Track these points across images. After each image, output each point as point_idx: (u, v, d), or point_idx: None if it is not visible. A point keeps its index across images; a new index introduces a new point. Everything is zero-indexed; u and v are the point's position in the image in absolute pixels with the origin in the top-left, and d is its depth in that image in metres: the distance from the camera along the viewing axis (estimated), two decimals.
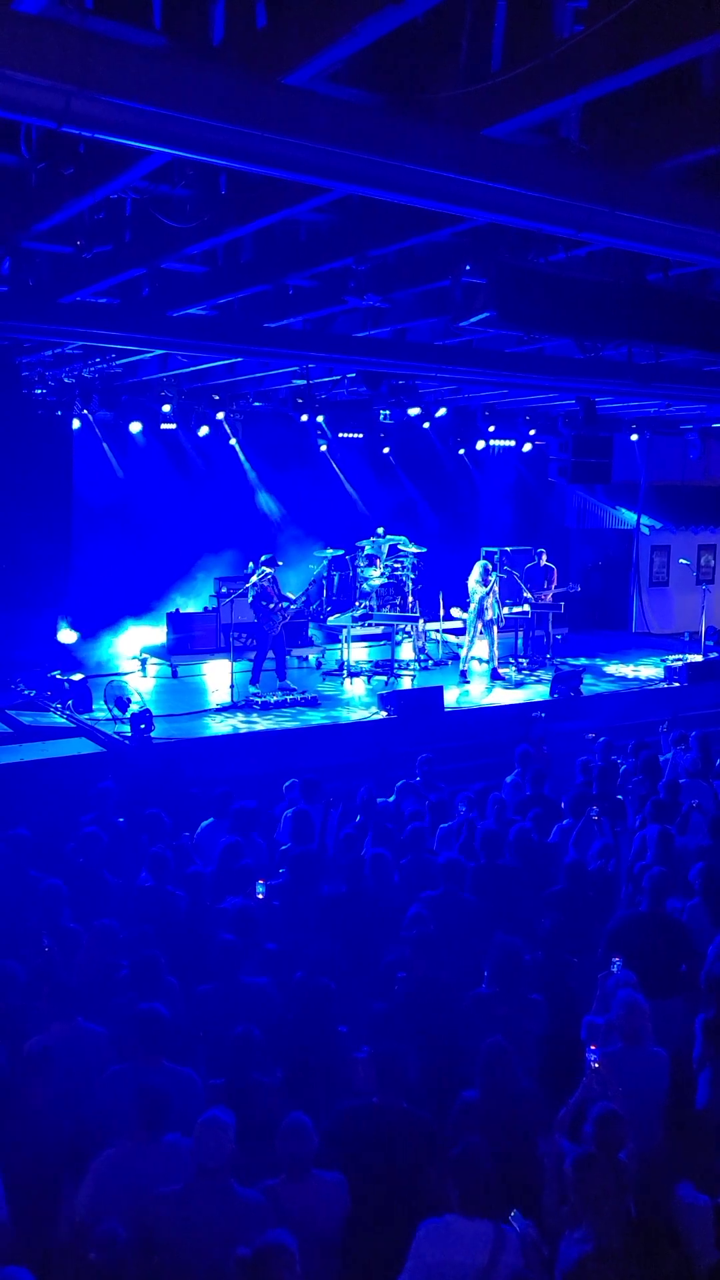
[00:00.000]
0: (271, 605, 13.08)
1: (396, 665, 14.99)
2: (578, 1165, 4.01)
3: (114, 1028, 5.22)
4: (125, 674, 14.20)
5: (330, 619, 15.68)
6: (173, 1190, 4.06)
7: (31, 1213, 4.29)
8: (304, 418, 15.57)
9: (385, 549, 15.91)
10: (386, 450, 18.13)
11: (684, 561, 19.78)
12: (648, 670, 15.67)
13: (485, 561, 14.94)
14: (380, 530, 16.30)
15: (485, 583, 14.54)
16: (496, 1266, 3.82)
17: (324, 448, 17.34)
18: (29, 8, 3.96)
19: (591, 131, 5.26)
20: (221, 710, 12.58)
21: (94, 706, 12.34)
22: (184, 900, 6.73)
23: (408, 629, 15.68)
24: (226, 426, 16.30)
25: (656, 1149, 4.94)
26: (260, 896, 6.66)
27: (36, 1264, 3.62)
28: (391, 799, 9.15)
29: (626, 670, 15.84)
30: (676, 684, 14.51)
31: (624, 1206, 4.11)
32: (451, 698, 13.18)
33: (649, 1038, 5.18)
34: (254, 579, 13.19)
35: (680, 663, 14.80)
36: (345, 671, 14.52)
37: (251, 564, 13.87)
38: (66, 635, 14.61)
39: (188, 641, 14.85)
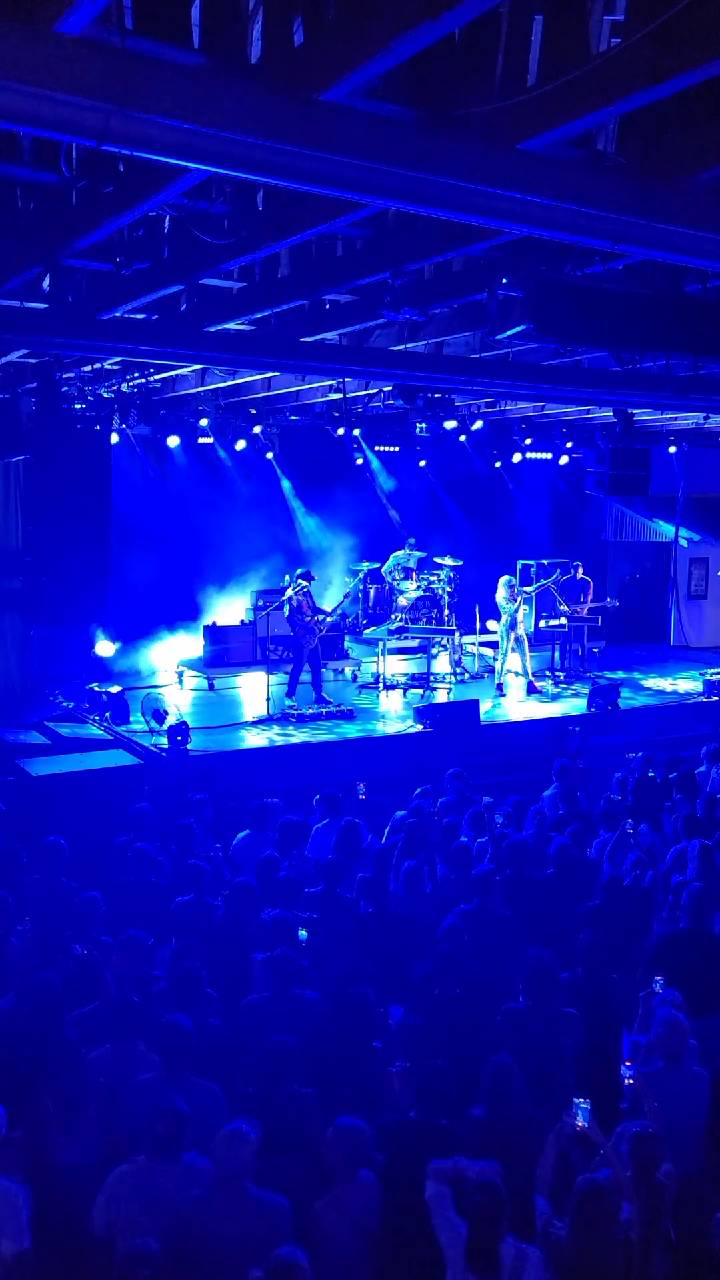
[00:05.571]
0: (308, 619, 13.12)
1: (432, 678, 14.97)
2: (582, 1192, 3.91)
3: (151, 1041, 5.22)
4: (162, 686, 14.29)
5: (366, 632, 15.68)
6: (192, 1197, 4.09)
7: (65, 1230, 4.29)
8: (340, 431, 15.61)
9: (416, 561, 15.90)
10: (423, 463, 18.13)
11: None
12: (686, 684, 15.55)
13: (510, 577, 14.90)
14: (411, 541, 16.28)
15: (513, 598, 14.50)
16: None
17: (360, 461, 17.38)
18: (71, 29, 4.01)
19: (627, 144, 5.25)
20: (257, 723, 12.62)
21: (131, 719, 12.42)
22: (221, 912, 6.74)
23: (444, 642, 15.64)
24: (263, 440, 16.38)
25: (697, 1171, 4.87)
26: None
27: None
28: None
29: (664, 684, 15.72)
30: (715, 698, 14.38)
31: (662, 1229, 4.05)
32: (487, 710, 13.13)
33: (690, 1057, 5.11)
34: (290, 592, 13.24)
35: (719, 676, 14.67)
36: (381, 684, 14.51)
37: (288, 577, 13.92)
38: (105, 648, 14.72)
39: (224, 654, 14.92)
